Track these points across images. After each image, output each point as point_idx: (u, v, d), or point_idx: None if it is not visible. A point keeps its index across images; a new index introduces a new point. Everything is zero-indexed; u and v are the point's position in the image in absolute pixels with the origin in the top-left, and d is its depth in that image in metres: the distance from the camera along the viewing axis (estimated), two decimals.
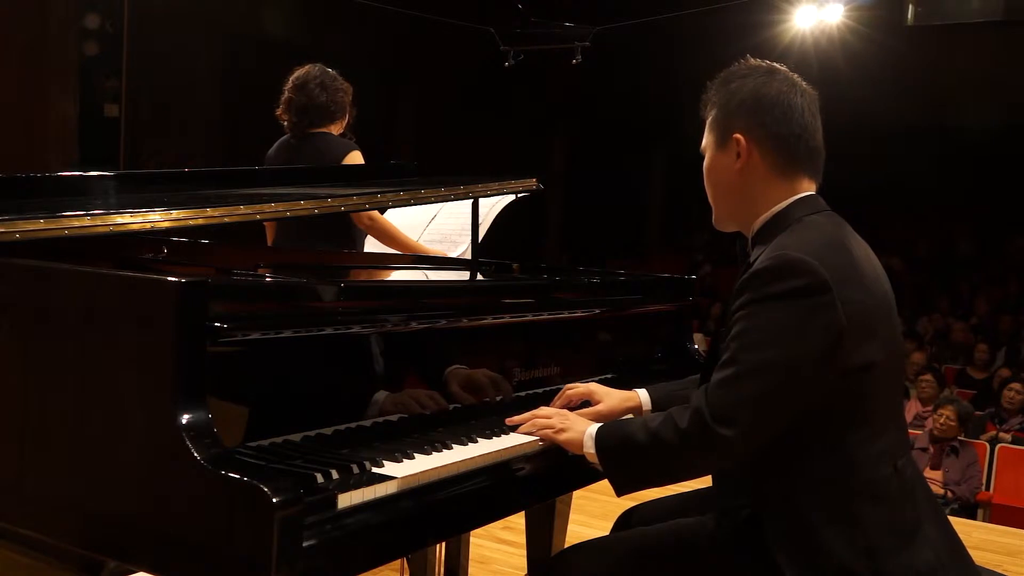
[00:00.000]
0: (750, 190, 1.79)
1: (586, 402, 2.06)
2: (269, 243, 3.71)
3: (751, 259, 1.76)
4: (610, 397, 2.05)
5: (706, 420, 1.61)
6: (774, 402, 1.61)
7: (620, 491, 1.75)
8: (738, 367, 1.62)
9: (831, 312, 1.60)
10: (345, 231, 3.49)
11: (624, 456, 1.74)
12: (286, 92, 3.64)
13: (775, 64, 1.85)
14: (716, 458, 1.70)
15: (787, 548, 1.66)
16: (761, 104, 1.77)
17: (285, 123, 3.65)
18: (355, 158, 3.53)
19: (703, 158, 1.87)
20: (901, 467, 1.71)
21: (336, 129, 3.65)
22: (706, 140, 1.86)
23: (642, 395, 2.11)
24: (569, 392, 2.07)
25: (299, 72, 3.65)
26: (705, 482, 1.94)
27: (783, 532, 1.67)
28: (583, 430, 1.80)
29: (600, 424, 1.81)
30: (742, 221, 1.84)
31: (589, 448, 1.78)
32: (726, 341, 1.67)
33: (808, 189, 1.80)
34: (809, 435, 1.66)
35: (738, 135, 1.78)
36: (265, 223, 3.72)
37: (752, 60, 1.85)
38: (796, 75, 1.83)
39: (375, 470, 1.56)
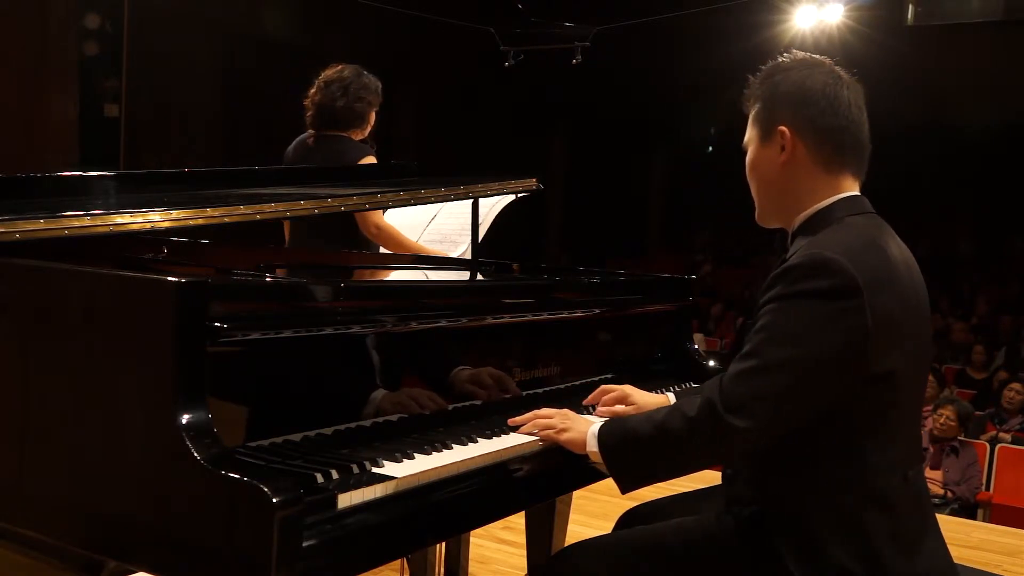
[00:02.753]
0: (794, 184, 1.77)
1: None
2: (287, 243, 3.71)
3: (788, 254, 1.73)
4: (645, 400, 2.07)
5: (718, 409, 1.60)
6: (790, 400, 1.60)
7: (625, 488, 1.74)
8: (759, 360, 1.61)
9: (859, 316, 1.58)
10: (356, 232, 3.48)
11: (628, 451, 1.73)
12: (315, 85, 3.62)
13: (820, 57, 1.82)
14: (723, 448, 1.67)
15: (791, 548, 1.65)
16: (806, 96, 1.74)
17: (307, 116, 3.64)
18: (368, 163, 3.51)
19: (745, 153, 1.84)
20: (912, 478, 1.70)
21: (354, 135, 3.60)
22: (749, 134, 1.83)
23: (672, 399, 2.12)
24: (606, 396, 2.09)
25: (331, 71, 3.60)
26: (707, 481, 1.94)
27: (788, 533, 1.66)
28: (585, 430, 1.80)
29: (602, 422, 1.81)
30: (785, 216, 1.81)
31: (592, 447, 1.77)
32: (751, 332, 1.65)
33: (851, 188, 1.77)
34: (824, 438, 1.65)
35: (783, 128, 1.75)
36: (284, 225, 3.71)
37: (797, 53, 1.83)
38: (841, 68, 1.80)
39: (375, 470, 1.56)
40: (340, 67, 3.61)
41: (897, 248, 1.73)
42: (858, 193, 1.78)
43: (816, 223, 1.74)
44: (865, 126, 1.78)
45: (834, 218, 1.72)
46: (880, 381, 1.62)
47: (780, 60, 1.82)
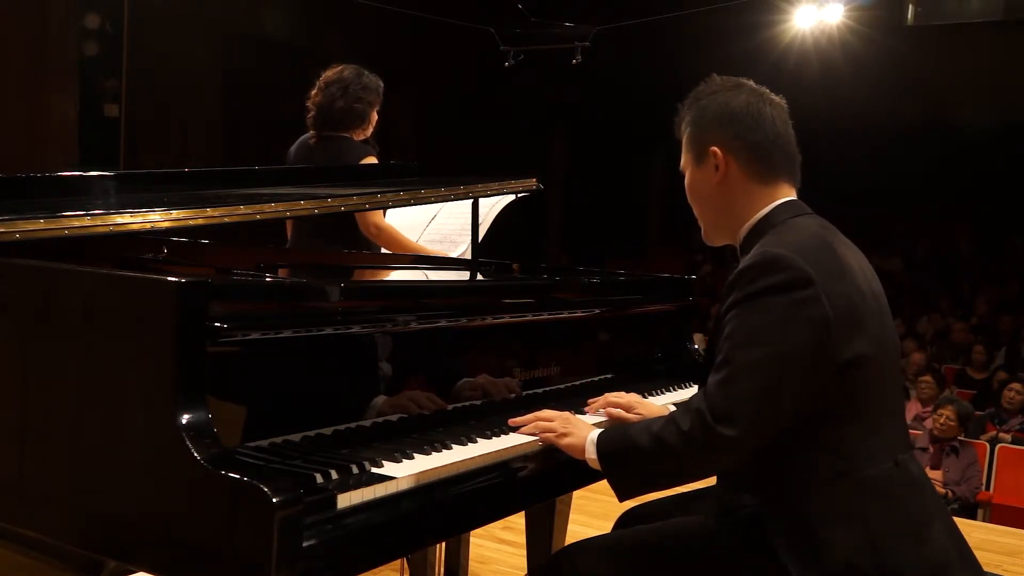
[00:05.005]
0: (732, 201, 1.84)
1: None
2: (288, 243, 3.71)
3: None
4: (651, 412, 2.08)
5: (708, 421, 1.62)
6: (771, 398, 1.62)
7: (623, 496, 1.76)
8: (732, 367, 1.64)
9: (816, 305, 1.62)
10: (356, 232, 3.47)
11: (626, 461, 1.75)
12: (315, 86, 3.61)
13: (741, 79, 1.90)
14: (719, 459, 1.71)
15: (791, 545, 1.66)
16: (732, 115, 1.82)
17: (309, 117, 3.64)
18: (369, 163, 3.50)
19: (683, 177, 1.91)
20: (903, 462, 1.71)
21: (355, 135, 3.59)
22: (684, 159, 1.91)
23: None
24: (611, 399, 2.10)
25: (331, 72, 3.60)
26: (707, 481, 1.94)
27: (786, 529, 1.68)
28: (585, 435, 1.81)
29: (601, 429, 1.82)
30: (729, 232, 1.88)
31: (591, 454, 1.78)
32: (719, 342, 1.69)
33: (788, 194, 1.84)
34: (806, 432, 1.67)
35: (714, 148, 1.82)
36: (287, 224, 3.71)
37: (718, 77, 1.90)
38: (763, 87, 1.88)
39: (375, 470, 1.56)
40: (340, 68, 3.60)
41: (844, 245, 1.78)
42: (795, 198, 1.84)
43: (759, 231, 1.80)
44: (792, 138, 1.86)
45: (776, 221, 1.79)
46: (851, 368, 1.65)
47: (703, 85, 1.90)
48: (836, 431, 1.67)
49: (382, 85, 3.64)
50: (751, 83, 1.88)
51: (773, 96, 1.87)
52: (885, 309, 1.79)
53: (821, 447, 1.67)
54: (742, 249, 1.84)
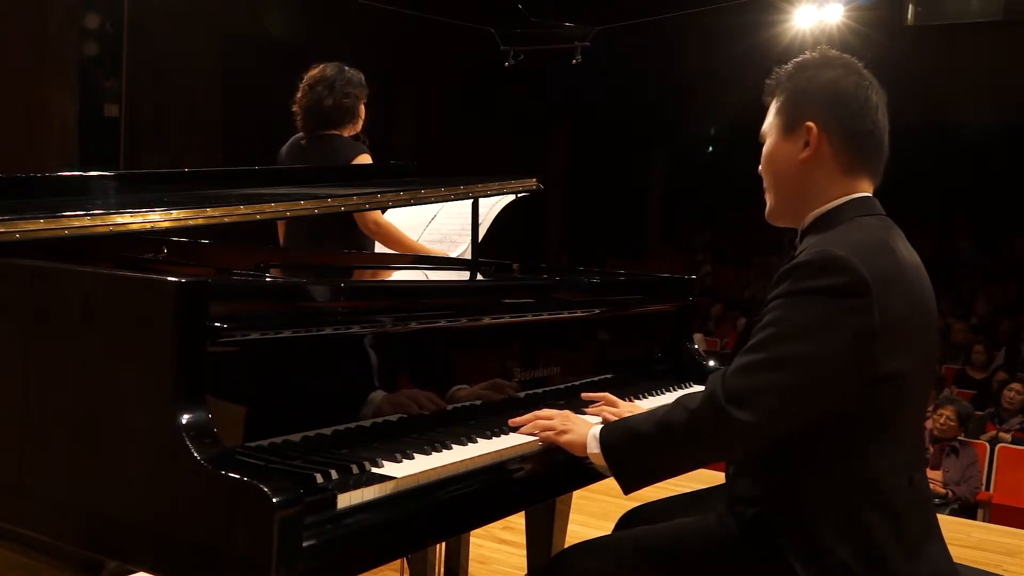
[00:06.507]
0: (810, 182, 1.75)
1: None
2: (281, 244, 3.71)
3: (796, 252, 1.72)
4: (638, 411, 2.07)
5: (720, 402, 1.59)
6: (793, 396, 1.59)
7: (628, 488, 1.73)
8: (764, 355, 1.60)
9: (866, 315, 1.57)
10: (353, 232, 3.48)
11: (629, 449, 1.72)
12: (300, 89, 3.62)
13: (849, 57, 1.81)
14: (724, 441, 1.65)
15: (794, 548, 1.65)
16: (839, 96, 1.73)
17: (297, 120, 3.64)
18: (363, 161, 3.51)
19: (761, 144, 1.82)
20: (917, 481, 1.69)
21: (346, 132, 3.60)
22: (769, 123, 1.81)
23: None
24: (608, 404, 2.09)
25: (314, 71, 3.61)
26: (709, 481, 1.93)
27: (791, 533, 1.66)
28: (585, 432, 1.79)
29: (602, 424, 1.81)
30: (796, 214, 1.79)
31: (593, 448, 1.77)
32: (757, 327, 1.64)
33: (866, 189, 1.76)
34: (828, 438, 1.64)
35: (810, 124, 1.73)
36: (278, 224, 3.71)
37: (830, 51, 1.81)
38: (869, 72, 1.79)
39: (374, 470, 1.56)
40: (321, 66, 3.61)
41: (906, 250, 1.72)
42: (870, 194, 1.77)
43: (826, 222, 1.73)
44: (887, 132, 1.78)
45: (844, 218, 1.71)
46: (887, 382, 1.61)
47: (811, 55, 1.80)
48: (859, 443, 1.63)
49: (363, 77, 3.65)
50: (859, 64, 1.79)
51: (878, 83, 1.78)
52: (933, 323, 1.73)
53: (840, 456, 1.64)
54: (803, 234, 1.77)
